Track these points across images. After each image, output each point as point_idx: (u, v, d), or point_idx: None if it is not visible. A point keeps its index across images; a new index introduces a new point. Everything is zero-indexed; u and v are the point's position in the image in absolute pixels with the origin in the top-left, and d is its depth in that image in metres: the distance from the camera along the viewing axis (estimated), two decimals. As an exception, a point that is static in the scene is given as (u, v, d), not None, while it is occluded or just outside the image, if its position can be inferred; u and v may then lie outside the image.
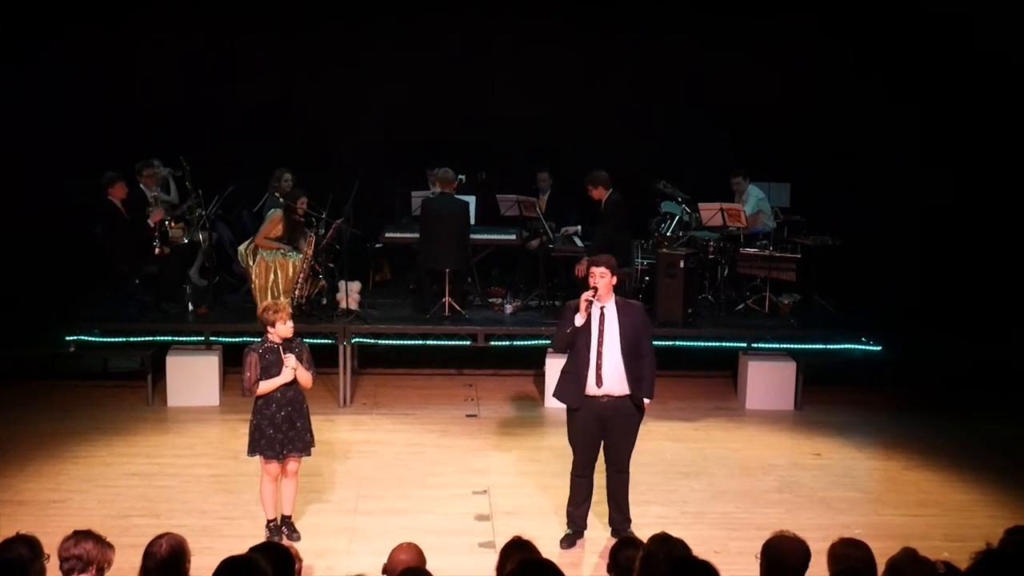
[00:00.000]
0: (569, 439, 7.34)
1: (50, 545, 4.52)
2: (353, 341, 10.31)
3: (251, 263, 10.30)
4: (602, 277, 7.04)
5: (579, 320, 7.04)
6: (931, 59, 11.55)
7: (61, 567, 4.44)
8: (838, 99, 12.01)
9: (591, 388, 7.09)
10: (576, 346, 7.15)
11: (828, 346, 10.55)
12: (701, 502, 8.20)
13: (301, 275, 10.26)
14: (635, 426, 7.27)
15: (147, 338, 10.25)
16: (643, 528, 6.93)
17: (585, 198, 10.84)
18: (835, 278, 11.31)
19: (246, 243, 10.49)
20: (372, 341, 10.49)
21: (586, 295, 7.03)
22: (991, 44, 11.05)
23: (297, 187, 10.72)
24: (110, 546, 4.55)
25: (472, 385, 10.94)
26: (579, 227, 11.31)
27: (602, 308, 7.10)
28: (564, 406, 7.37)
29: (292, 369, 7.03)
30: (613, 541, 6.55)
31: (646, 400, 7.19)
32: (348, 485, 8.34)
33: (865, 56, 11.89)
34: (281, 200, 10.91)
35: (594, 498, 7.45)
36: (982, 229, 11.54)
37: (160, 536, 4.46)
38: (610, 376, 7.07)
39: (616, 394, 7.10)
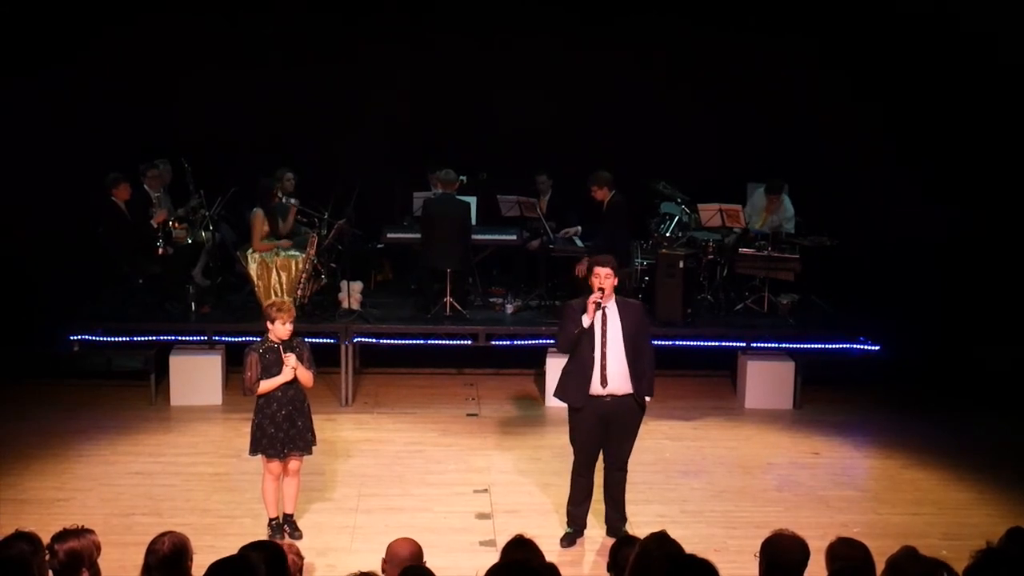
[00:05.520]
0: (571, 438, 7.39)
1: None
2: (355, 340, 10.35)
3: (252, 267, 10.35)
4: (607, 278, 7.09)
5: (587, 321, 7.10)
6: (928, 60, 11.57)
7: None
8: (836, 100, 12.02)
9: (596, 388, 7.14)
10: (579, 347, 7.21)
11: (826, 346, 10.56)
12: (700, 501, 8.24)
13: (303, 275, 10.31)
14: (637, 424, 7.33)
15: (150, 338, 10.28)
16: (643, 527, 6.98)
17: (585, 199, 10.87)
18: (833, 278, 11.34)
19: (243, 250, 10.55)
20: (374, 340, 10.53)
21: (594, 297, 7.08)
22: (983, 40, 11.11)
23: (274, 177, 10.84)
24: (89, 531, 4.57)
25: (473, 384, 10.99)
26: (579, 228, 11.33)
27: (604, 308, 7.15)
28: (565, 405, 7.42)
29: (292, 368, 7.08)
30: (612, 540, 6.62)
31: (647, 398, 7.25)
32: (349, 484, 8.39)
33: (863, 57, 11.91)
34: (285, 202, 11.00)
35: (594, 496, 7.49)
36: (981, 228, 11.56)
37: (163, 534, 4.49)
38: (615, 375, 7.13)
39: (620, 393, 7.16)
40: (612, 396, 7.16)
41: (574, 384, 7.25)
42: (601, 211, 10.61)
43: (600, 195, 10.51)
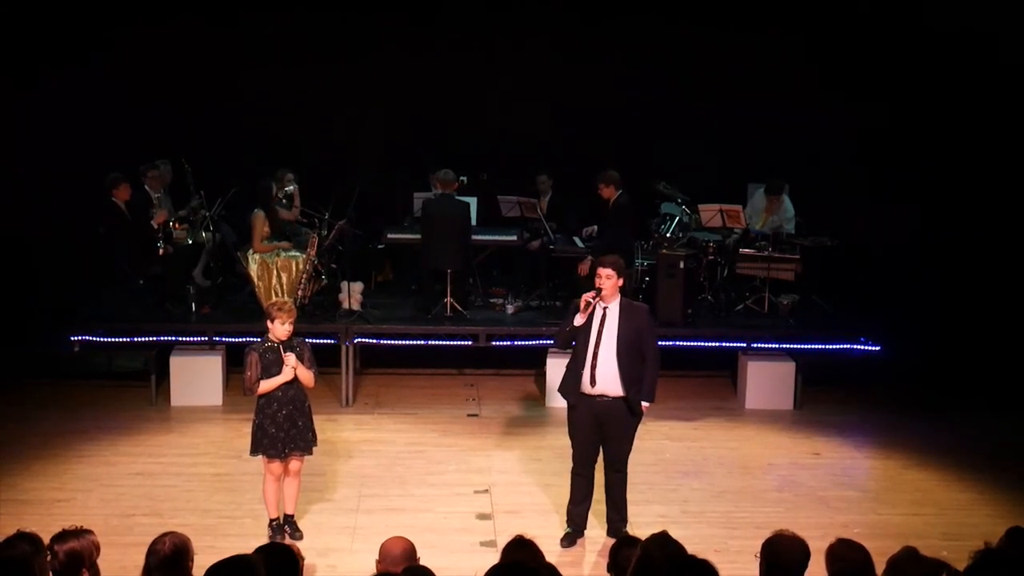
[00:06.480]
0: (569, 435, 7.41)
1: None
2: (355, 341, 10.35)
3: (252, 267, 10.35)
4: (608, 279, 7.07)
5: (578, 320, 7.09)
6: (928, 61, 11.59)
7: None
8: (836, 100, 12.02)
9: (585, 386, 7.15)
10: (577, 344, 7.22)
11: (827, 346, 10.56)
12: (701, 501, 8.24)
13: (304, 276, 10.32)
14: (631, 428, 7.30)
15: (151, 338, 10.27)
16: (644, 527, 6.99)
17: (585, 200, 10.87)
18: (833, 278, 11.34)
19: (243, 251, 10.56)
20: (374, 341, 10.53)
21: (587, 295, 7.08)
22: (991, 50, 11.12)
23: (274, 177, 10.90)
24: (88, 531, 4.57)
25: (473, 385, 10.99)
26: (595, 227, 11.17)
27: (605, 309, 7.15)
28: (565, 405, 7.44)
29: (292, 368, 7.08)
30: (612, 540, 6.63)
31: (644, 404, 7.21)
32: (350, 484, 8.39)
33: (863, 57, 11.92)
34: (284, 200, 11.02)
35: (595, 497, 7.49)
36: (981, 229, 11.57)
37: (163, 535, 4.50)
38: (604, 377, 7.11)
39: (611, 395, 7.14)
40: (604, 397, 7.14)
41: (571, 381, 7.27)
42: (604, 211, 10.62)
43: (607, 193, 10.51)
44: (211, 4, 12.04)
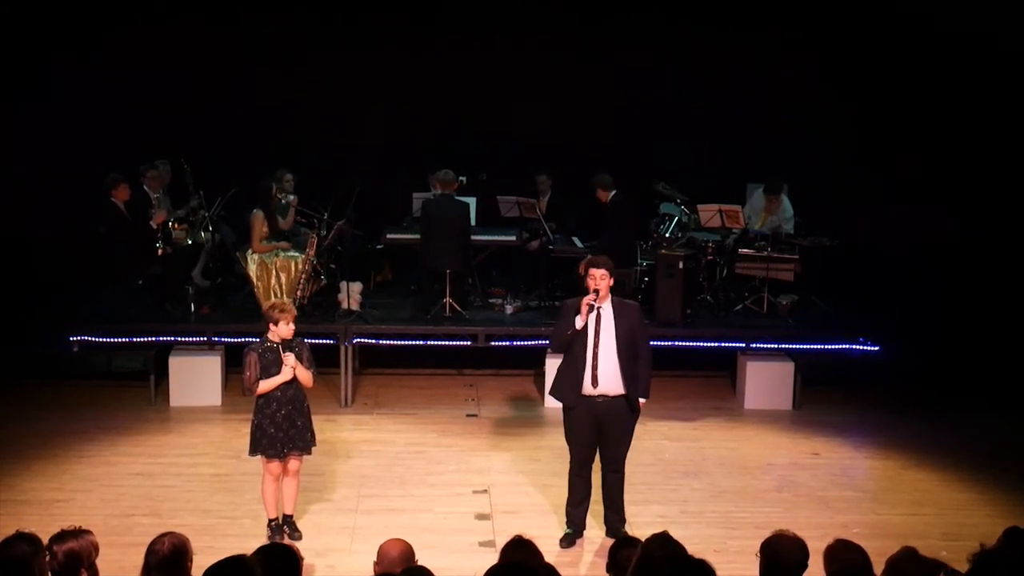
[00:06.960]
0: (566, 437, 7.40)
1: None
2: (354, 341, 10.35)
3: (251, 268, 10.36)
4: (602, 279, 7.08)
5: (579, 323, 7.09)
6: (931, 61, 11.59)
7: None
8: (836, 99, 12.03)
9: (587, 388, 7.15)
10: (573, 346, 7.20)
11: (826, 346, 10.55)
12: (700, 501, 8.24)
13: (303, 276, 10.32)
14: (630, 426, 7.31)
15: (150, 338, 10.27)
16: (643, 527, 6.99)
17: (585, 200, 10.88)
18: (833, 278, 11.34)
19: (243, 251, 10.56)
20: (373, 341, 10.53)
21: (588, 299, 7.07)
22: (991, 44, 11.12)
23: (274, 177, 10.88)
24: (87, 532, 4.57)
25: (473, 385, 10.99)
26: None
27: (599, 309, 7.14)
28: (562, 405, 7.43)
29: (291, 368, 7.08)
30: (611, 540, 6.64)
31: (641, 400, 7.24)
32: (349, 484, 8.39)
33: (864, 58, 11.93)
34: (284, 202, 11.01)
35: (593, 497, 7.49)
36: (981, 229, 11.57)
37: (162, 535, 4.50)
38: (606, 376, 7.11)
39: (612, 394, 7.14)
40: (604, 397, 7.14)
41: (568, 383, 7.25)
42: (603, 212, 10.62)
43: (602, 196, 10.55)
44: (211, 4, 12.03)
